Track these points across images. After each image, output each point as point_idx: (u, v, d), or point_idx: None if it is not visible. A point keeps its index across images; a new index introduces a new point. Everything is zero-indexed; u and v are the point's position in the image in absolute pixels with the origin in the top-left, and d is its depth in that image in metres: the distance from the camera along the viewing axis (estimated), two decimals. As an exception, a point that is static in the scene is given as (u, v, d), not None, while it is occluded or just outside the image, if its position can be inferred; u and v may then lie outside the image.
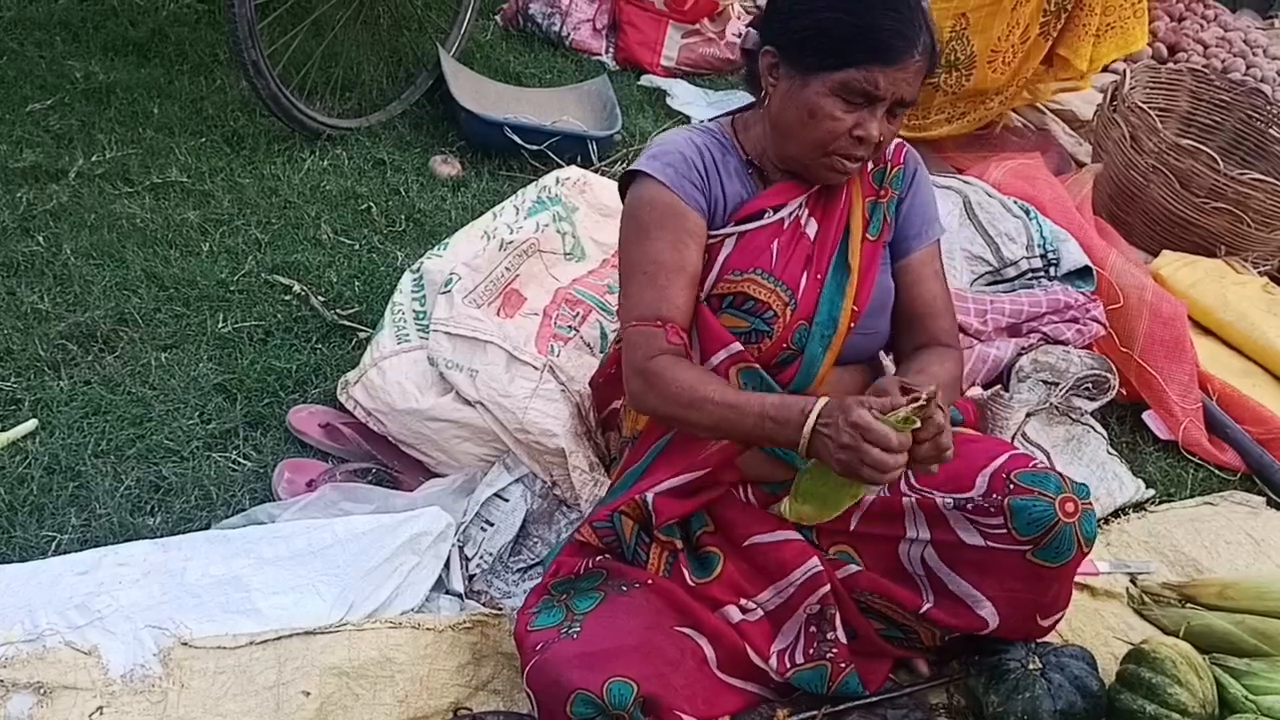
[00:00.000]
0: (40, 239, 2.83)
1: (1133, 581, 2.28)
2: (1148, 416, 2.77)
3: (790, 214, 1.91)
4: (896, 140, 1.99)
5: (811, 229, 1.92)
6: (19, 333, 2.52)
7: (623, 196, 1.95)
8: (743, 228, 1.90)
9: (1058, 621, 1.95)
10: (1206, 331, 3.06)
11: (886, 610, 1.92)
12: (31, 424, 2.27)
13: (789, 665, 1.90)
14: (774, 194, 1.91)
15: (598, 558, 1.95)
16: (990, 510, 1.79)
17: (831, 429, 1.65)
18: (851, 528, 1.90)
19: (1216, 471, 2.73)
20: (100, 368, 2.47)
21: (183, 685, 1.75)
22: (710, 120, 2.03)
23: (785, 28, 1.83)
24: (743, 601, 1.92)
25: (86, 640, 1.80)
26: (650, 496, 1.92)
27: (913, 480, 1.88)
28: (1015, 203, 2.81)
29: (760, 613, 1.92)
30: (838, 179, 1.88)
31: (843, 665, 1.88)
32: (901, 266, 1.99)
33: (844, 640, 1.89)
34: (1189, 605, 2.19)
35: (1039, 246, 2.71)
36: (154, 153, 3.29)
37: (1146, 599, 2.22)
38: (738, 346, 1.89)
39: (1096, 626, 2.15)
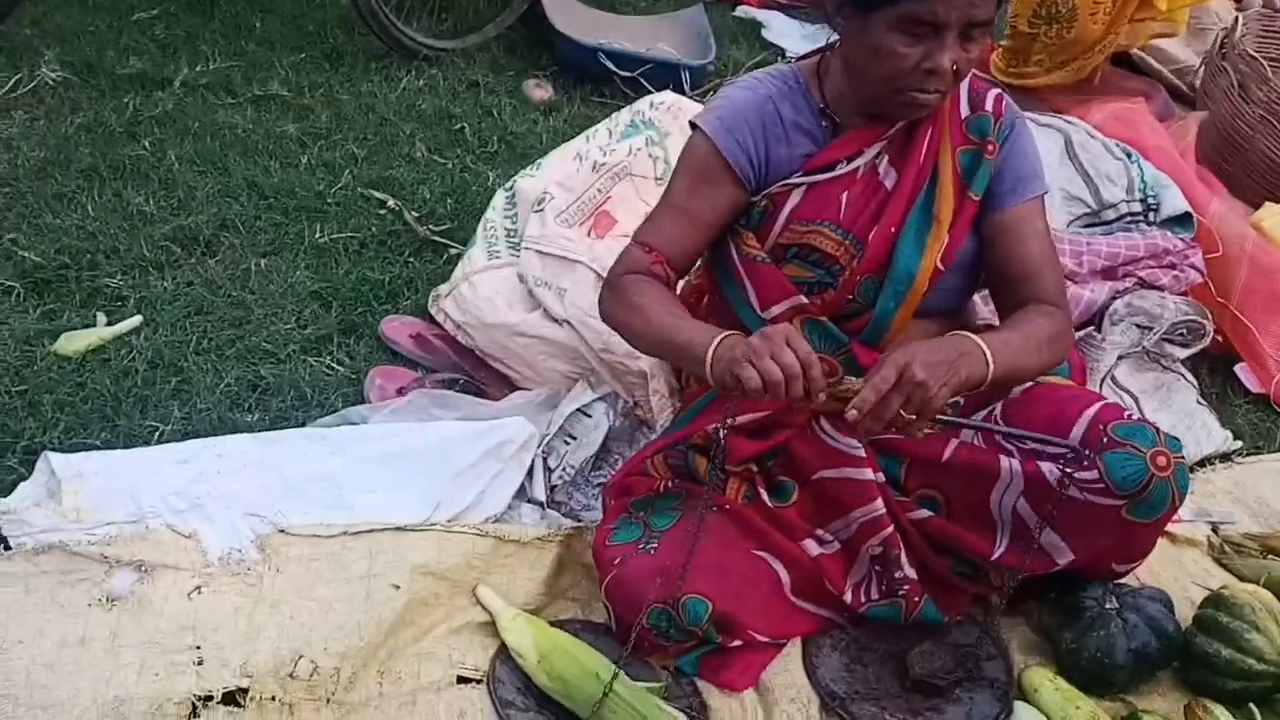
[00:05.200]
0: (146, 144, 2.92)
1: (1214, 531, 2.26)
2: (1240, 369, 2.72)
3: (865, 163, 1.86)
4: (997, 90, 1.92)
5: (890, 179, 1.87)
6: (125, 233, 2.60)
7: None
8: (812, 178, 1.86)
9: (1133, 569, 1.94)
10: (1306, 286, 2.98)
11: (957, 550, 1.93)
12: (136, 320, 2.35)
13: (864, 599, 1.91)
14: (846, 143, 1.86)
15: (676, 481, 1.98)
16: (1085, 465, 1.77)
17: (726, 353, 1.63)
18: (944, 459, 1.87)
19: (1307, 427, 2.68)
20: (202, 270, 2.55)
21: (277, 570, 1.82)
22: (799, 59, 1.98)
23: None
24: (819, 532, 1.93)
25: (186, 524, 1.88)
26: (724, 432, 1.92)
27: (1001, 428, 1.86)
28: (1117, 145, 2.76)
29: (836, 544, 1.93)
30: (918, 113, 1.81)
31: (916, 600, 1.89)
32: (995, 222, 1.88)
33: (913, 576, 1.89)
34: (1270, 556, 2.16)
35: (1139, 190, 2.66)
36: (256, 66, 3.36)
37: (1227, 548, 2.20)
38: (801, 298, 1.88)
39: (1175, 572, 2.14)
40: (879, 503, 1.89)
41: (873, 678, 1.88)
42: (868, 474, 1.90)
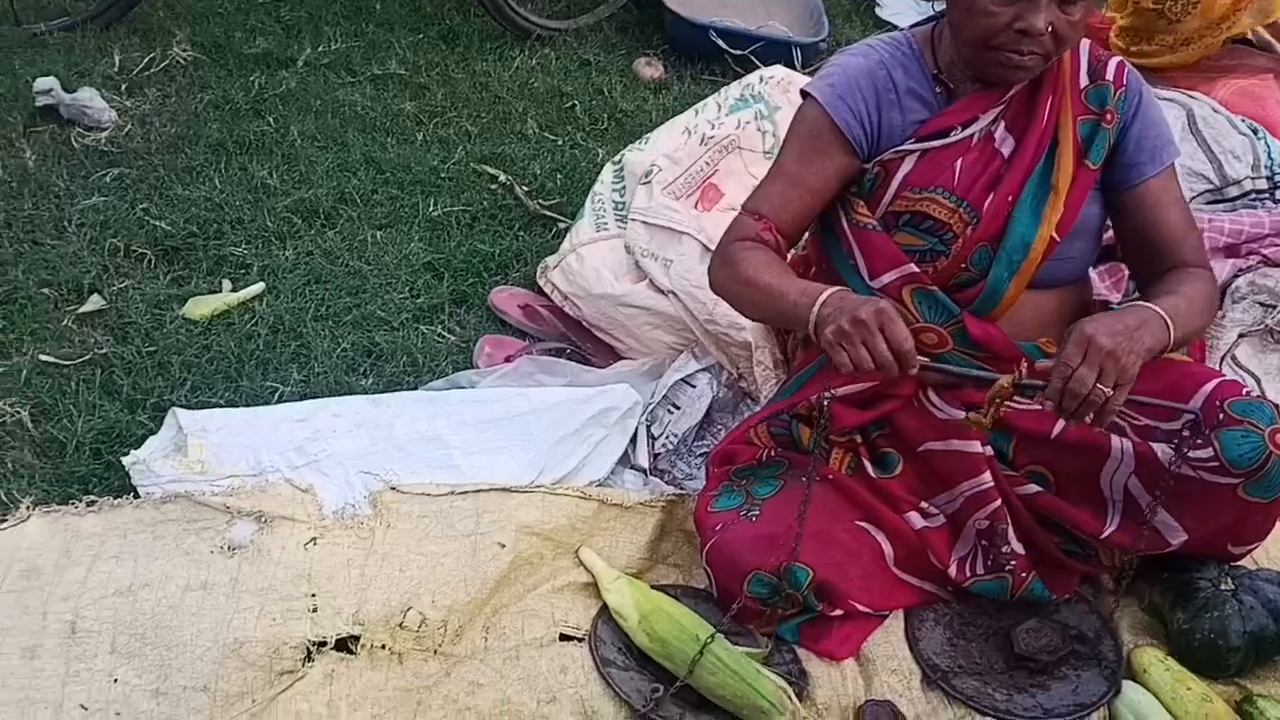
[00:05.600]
0: (270, 120, 3.02)
1: (1340, 516, 2.17)
2: (1371, 353, 2.60)
3: (981, 130, 1.84)
4: (1119, 59, 1.89)
5: (1007, 146, 1.85)
6: (249, 205, 2.70)
7: None
8: (925, 144, 1.85)
9: (1250, 551, 1.89)
10: None
11: (1066, 526, 1.89)
12: (260, 286, 2.45)
13: (969, 574, 1.89)
14: (961, 109, 1.85)
15: (779, 450, 1.98)
16: (1200, 443, 1.72)
17: (832, 314, 1.65)
18: (1053, 434, 1.84)
19: None
20: (321, 241, 2.63)
21: (389, 525, 1.88)
22: (911, 27, 1.97)
23: None
24: (924, 505, 1.91)
25: (303, 479, 1.95)
26: (827, 403, 1.92)
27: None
28: (1243, 121, 2.67)
29: (941, 518, 1.91)
30: (1016, 76, 1.79)
31: (1023, 575, 1.86)
32: (1137, 194, 1.87)
33: (1020, 551, 1.86)
34: (1401, 544, 2.07)
35: (1266, 167, 2.57)
36: (375, 46, 3.45)
37: (1354, 535, 2.11)
38: (912, 267, 1.86)
39: (1297, 556, 2.07)
40: (987, 475, 1.86)
41: (976, 653, 1.86)
42: (975, 446, 1.87)
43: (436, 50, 3.49)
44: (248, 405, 2.15)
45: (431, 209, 2.76)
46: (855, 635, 1.86)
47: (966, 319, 1.86)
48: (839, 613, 1.83)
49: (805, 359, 2.09)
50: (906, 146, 1.85)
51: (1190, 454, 1.72)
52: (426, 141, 3.04)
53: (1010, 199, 1.83)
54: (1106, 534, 1.83)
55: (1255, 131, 2.66)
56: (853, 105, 1.85)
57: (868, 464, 1.93)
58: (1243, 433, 1.70)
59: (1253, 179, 2.57)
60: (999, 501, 1.86)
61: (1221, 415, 1.72)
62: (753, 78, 2.68)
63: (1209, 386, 1.78)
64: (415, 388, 2.24)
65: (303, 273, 2.51)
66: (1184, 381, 1.80)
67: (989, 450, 1.88)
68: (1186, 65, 3.45)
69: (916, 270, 1.86)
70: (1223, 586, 1.82)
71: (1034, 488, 1.87)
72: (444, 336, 2.41)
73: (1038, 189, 1.84)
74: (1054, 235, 1.83)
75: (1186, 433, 1.73)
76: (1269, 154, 2.61)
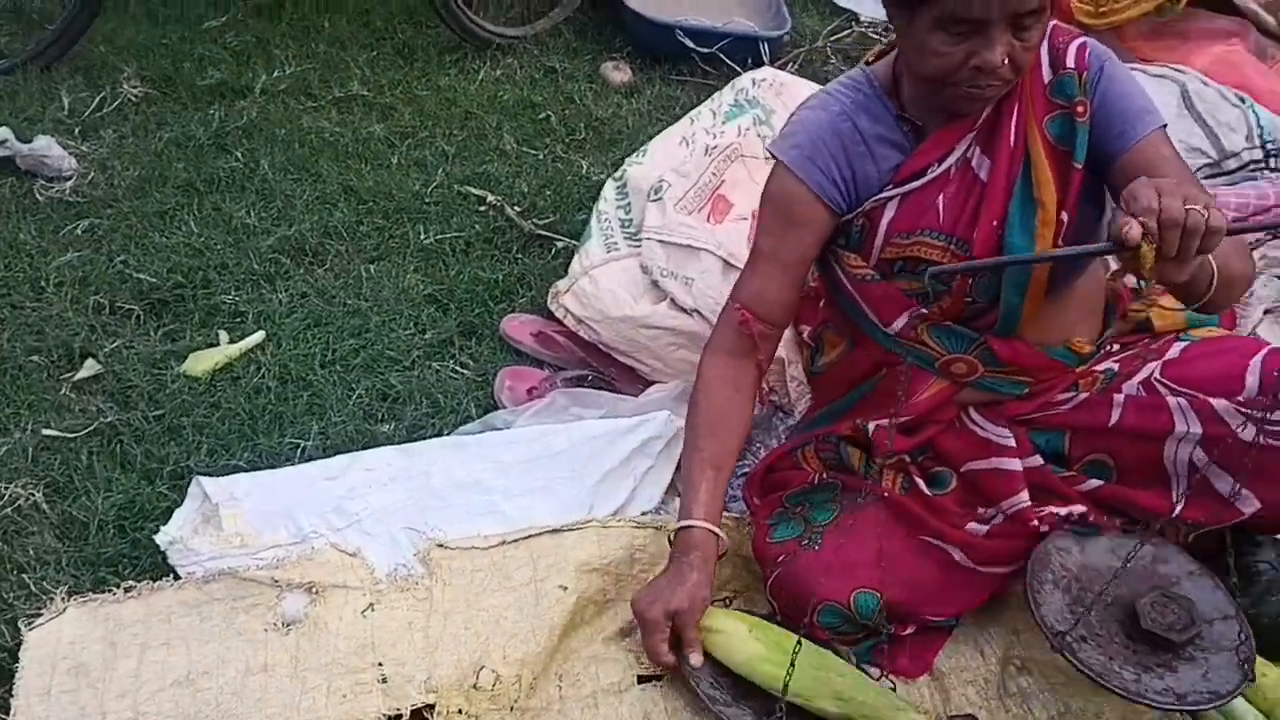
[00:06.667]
0: (237, 155, 2.90)
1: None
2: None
3: (957, 159, 1.77)
4: (1079, 40, 1.79)
5: (985, 169, 1.77)
6: (232, 247, 2.58)
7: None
8: (904, 188, 1.78)
9: None
10: None
11: (1133, 513, 1.86)
12: (259, 335, 2.34)
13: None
14: (933, 145, 1.78)
15: (829, 473, 1.95)
16: (1266, 405, 1.69)
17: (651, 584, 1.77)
18: (1110, 424, 1.83)
19: None
20: (313, 280, 2.52)
21: (445, 583, 1.81)
22: (870, 65, 1.86)
23: None
24: (981, 511, 1.88)
25: (349, 542, 1.87)
26: (871, 427, 1.89)
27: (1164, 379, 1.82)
28: (1232, 91, 2.68)
29: (1001, 518, 1.89)
30: (977, 107, 1.72)
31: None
32: (1120, 168, 1.75)
33: None
34: None
35: (1258, 137, 2.58)
36: (331, 67, 3.33)
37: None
38: (920, 309, 1.82)
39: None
40: (1024, 495, 1.83)
41: (1096, 622, 1.74)
42: (1014, 464, 1.85)
43: (395, 67, 3.37)
44: (270, 465, 2.05)
45: (422, 237, 2.67)
46: (925, 651, 1.84)
47: (991, 341, 1.83)
48: (910, 630, 1.81)
49: (821, 399, 2.06)
50: (885, 194, 1.79)
51: (1258, 416, 1.68)
52: (403, 165, 2.94)
53: (996, 224, 1.77)
54: (1177, 511, 1.81)
55: (1243, 100, 2.68)
56: (822, 165, 1.78)
57: (920, 482, 1.90)
58: None
59: (1249, 149, 2.58)
60: (1035, 521, 1.82)
61: None
62: (744, 81, 2.63)
63: (1259, 356, 1.76)
64: (440, 431, 2.16)
65: (300, 316, 2.41)
66: (1231, 358, 1.79)
67: (1036, 460, 1.86)
68: (1154, 31, 3.45)
69: (924, 311, 1.83)
70: (1284, 567, 1.81)
71: (1094, 482, 1.85)
72: (459, 372, 2.32)
73: (1021, 207, 1.76)
74: (1057, 245, 1.76)
75: (1259, 412, 1.70)
76: (1258, 123, 2.63)
